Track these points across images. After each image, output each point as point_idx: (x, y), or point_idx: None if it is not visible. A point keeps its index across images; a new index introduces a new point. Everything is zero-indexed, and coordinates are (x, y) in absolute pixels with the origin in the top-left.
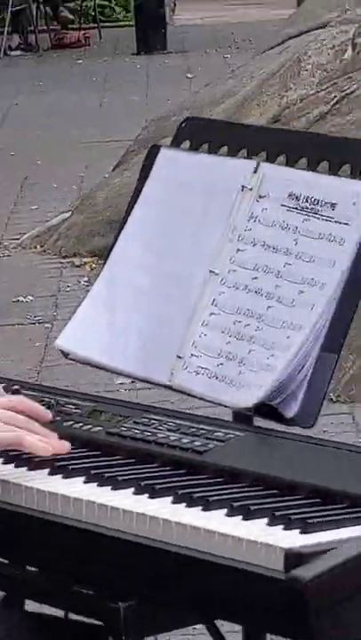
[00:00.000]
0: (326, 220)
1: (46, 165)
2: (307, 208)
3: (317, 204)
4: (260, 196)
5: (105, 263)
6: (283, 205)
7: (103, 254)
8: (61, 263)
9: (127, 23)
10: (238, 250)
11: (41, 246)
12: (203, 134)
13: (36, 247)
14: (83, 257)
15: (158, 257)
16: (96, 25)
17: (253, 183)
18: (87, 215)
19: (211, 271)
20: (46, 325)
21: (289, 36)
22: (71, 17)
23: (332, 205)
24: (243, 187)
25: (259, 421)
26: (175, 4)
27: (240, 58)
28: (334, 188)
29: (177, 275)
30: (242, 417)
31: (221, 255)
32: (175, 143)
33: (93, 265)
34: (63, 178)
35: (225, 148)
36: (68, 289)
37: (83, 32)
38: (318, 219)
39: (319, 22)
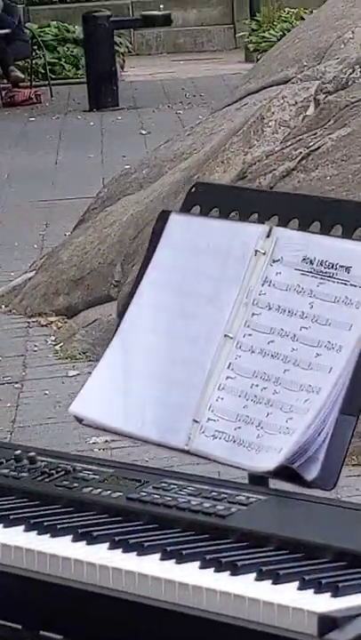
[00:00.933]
0: (342, 284)
1: (6, 225)
2: (321, 272)
3: (332, 267)
4: (274, 261)
5: (117, 329)
6: (297, 269)
7: (68, 313)
8: (27, 323)
9: (78, 80)
10: (253, 314)
11: (6, 306)
12: (213, 199)
13: (0, 307)
14: (48, 316)
15: (173, 321)
16: (47, 82)
17: (267, 247)
18: (51, 274)
19: (226, 335)
20: (16, 385)
21: (248, 92)
22: (22, 75)
23: (347, 269)
24: (256, 251)
25: (275, 483)
26: (124, 61)
27: (192, 113)
28: (349, 251)
29: (192, 339)
30: (258, 479)
31: (236, 319)
32: (185, 208)
33: (59, 324)
34: (24, 237)
35: (236, 213)
36: (36, 348)
37: (34, 90)
38: (333, 282)
39: (278, 78)
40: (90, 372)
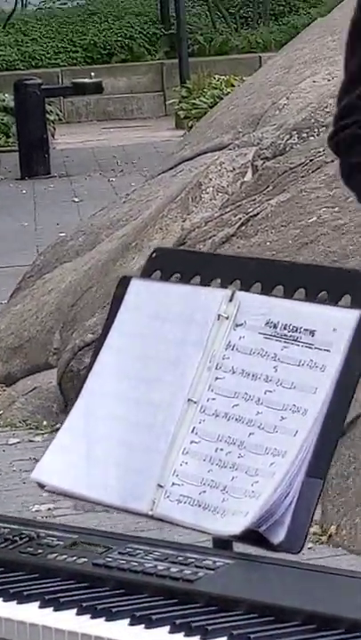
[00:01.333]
0: (306, 347)
1: None
2: (285, 335)
3: (296, 331)
4: (237, 325)
5: (79, 394)
6: (261, 333)
7: (7, 381)
8: None
9: (8, 148)
10: (217, 378)
11: None
12: (174, 264)
13: None
14: None
15: (135, 386)
16: None
17: (230, 312)
18: None
19: (189, 399)
20: None
21: (182, 159)
22: None
23: (312, 332)
24: (219, 315)
25: (238, 547)
26: (55, 129)
27: (125, 180)
28: (313, 315)
29: (155, 403)
30: (222, 543)
31: (200, 383)
32: (146, 274)
33: None
34: None
35: (197, 278)
36: None
37: None
38: (298, 346)
39: (213, 145)
40: (30, 440)
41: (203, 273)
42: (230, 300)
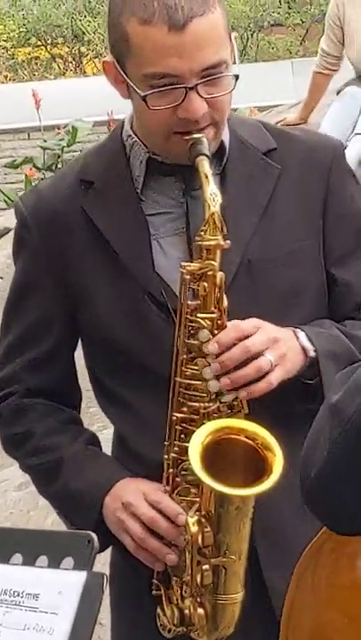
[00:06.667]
0: (31, 611)
1: None
2: (6, 600)
3: (18, 595)
4: None
5: None
6: None
7: None
8: None
9: None
10: None
11: None
12: None
13: None
14: None
15: None
16: None
17: None
18: None
19: None
20: None
21: None
22: None
23: (35, 596)
24: None
25: None
26: None
27: None
28: (33, 579)
29: None
30: None
31: None
32: None
33: None
34: None
35: None
36: None
37: None
38: (22, 610)
39: None
40: None
41: None
42: None
